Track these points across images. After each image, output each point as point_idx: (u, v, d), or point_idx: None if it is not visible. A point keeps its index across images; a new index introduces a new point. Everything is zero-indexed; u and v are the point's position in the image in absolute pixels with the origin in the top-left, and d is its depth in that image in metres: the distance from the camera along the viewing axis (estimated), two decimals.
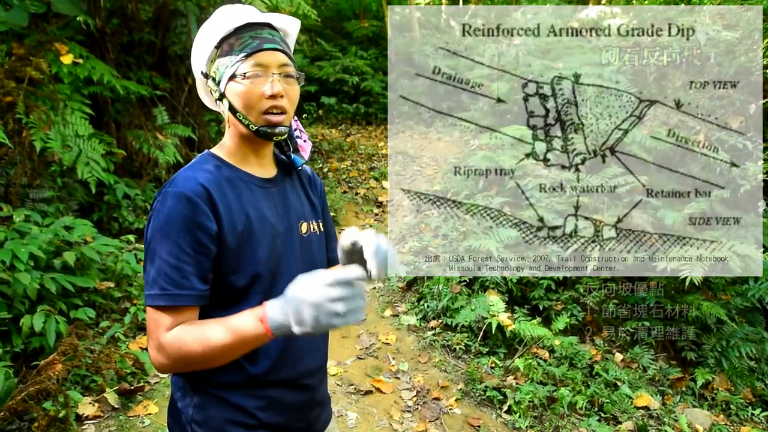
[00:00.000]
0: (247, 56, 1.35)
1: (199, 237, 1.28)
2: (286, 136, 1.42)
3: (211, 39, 1.41)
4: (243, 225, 1.35)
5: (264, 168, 1.49)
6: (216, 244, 1.31)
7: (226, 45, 1.38)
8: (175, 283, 1.27)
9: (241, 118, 1.37)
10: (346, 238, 1.26)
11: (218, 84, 1.40)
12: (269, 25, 1.43)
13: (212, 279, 1.34)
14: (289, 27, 1.50)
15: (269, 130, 1.37)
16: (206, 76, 1.45)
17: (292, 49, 1.53)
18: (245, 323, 1.21)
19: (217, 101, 1.44)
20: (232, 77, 1.36)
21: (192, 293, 1.29)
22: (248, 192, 1.40)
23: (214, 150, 1.47)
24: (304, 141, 1.62)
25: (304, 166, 1.60)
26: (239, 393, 1.38)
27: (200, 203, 1.29)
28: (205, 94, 1.53)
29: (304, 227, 1.52)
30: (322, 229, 1.59)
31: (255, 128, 1.37)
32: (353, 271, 1.13)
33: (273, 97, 1.35)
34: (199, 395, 1.39)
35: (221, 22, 1.39)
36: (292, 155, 1.56)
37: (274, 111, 1.37)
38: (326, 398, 1.64)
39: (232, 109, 1.38)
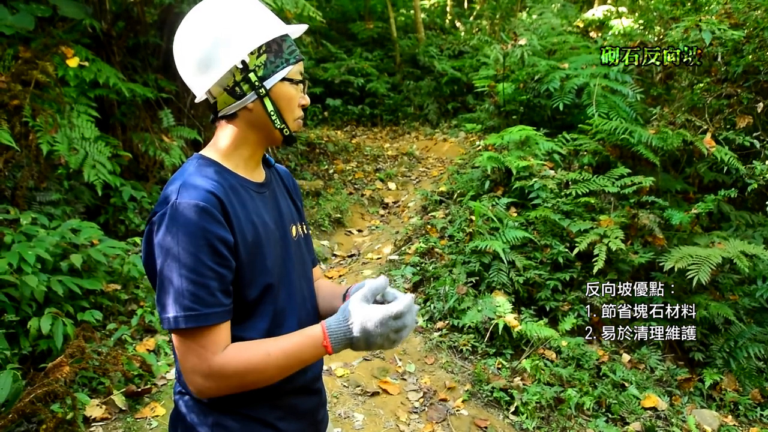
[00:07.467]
0: (296, 62, 1.36)
1: (220, 249, 1.22)
2: None
3: (262, 33, 1.31)
4: (252, 234, 1.31)
5: (257, 172, 1.45)
6: (234, 256, 1.26)
7: (274, 44, 1.33)
8: (202, 301, 1.19)
9: (276, 120, 1.35)
10: (378, 286, 1.32)
11: (261, 80, 1.31)
12: None
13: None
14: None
15: (295, 136, 1.41)
16: (246, 68, 1.31)
17: None
18: (303, 331, 1.28)
19: (241, 97, 1.32)
20: (284, 80, 1.34)
21: (220, 309, 1.22)
22: (250, 199, 1.36)
23: (207, 153, 1.38)
24: None
25: (278, 164, 1.61)
26: (260, 406, 1.36)
27: (216, 213, 1.22)
28: (218, 83, 1.32)
29: (294, 231, 1.49)
30: (305, 232, 1.58)
31: (289, 133, 1.38)
32: (403, 302, 1.27)
33: (303, 106, 1.41)
34: (216, 413, 1.34)
35: (267, 19, 1.34)
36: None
37: (301, 119, 1.42)
38: (326, 398, 1.64)
39: (275, 110, 1.34)
